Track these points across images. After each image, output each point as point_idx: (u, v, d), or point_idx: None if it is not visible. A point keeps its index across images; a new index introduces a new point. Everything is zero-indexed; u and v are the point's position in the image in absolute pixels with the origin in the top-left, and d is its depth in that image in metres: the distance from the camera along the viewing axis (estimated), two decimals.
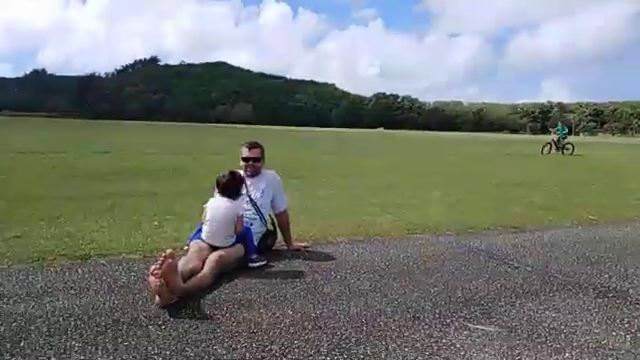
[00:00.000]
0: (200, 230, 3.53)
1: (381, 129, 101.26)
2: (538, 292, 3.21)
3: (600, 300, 3.10)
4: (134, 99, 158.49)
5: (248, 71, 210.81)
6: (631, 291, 3.30)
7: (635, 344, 2.46)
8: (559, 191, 8.72)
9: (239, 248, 3.44)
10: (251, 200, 3.87)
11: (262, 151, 4.02)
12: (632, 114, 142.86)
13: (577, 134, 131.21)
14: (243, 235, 3.50)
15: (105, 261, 3.54)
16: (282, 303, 2.82)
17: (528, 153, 22.27)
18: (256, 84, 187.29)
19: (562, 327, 2.63)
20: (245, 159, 3.94)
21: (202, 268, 3.06)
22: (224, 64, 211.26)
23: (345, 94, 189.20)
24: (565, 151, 22.15)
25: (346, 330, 2.48)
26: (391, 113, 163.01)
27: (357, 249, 4.16)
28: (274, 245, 4.05)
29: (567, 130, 23.68)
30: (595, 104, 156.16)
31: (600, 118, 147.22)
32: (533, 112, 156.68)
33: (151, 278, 2.60)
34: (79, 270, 3.29)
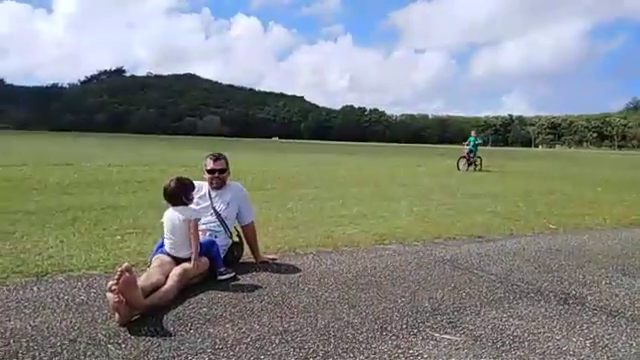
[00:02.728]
0: (162, 244, 3.44)
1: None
2: (502, 300, 3.27)
3: (561, 307, 3.18)
4: (99, 111, 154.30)
5: (217, 83, 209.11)
6: (589, 298, 3.41)
7: (594, 349, 2.53)
8: (520, 201, 8.98)
9: (204, 261, 3.36)
10: (215, 212, 3.81)
11: (227, 162, 3.97)
12: (586, 127, 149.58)
13: (537, 146, 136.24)
14: (208, 247, 3.43)
15: (63, 278, 3.39)
16: (249, 317, 2.77)
17: (488, 164, 22.90)
18: (225, 96, 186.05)
19: (525, 334, 2.68)
20: (210, 171, 3.89)
21: (165, 283, 2.97)
22: (193, 76, 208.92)
23: (314, 106, 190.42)
24: (475, 166, 18.35)
25: (314, 343, 2.45)
26: (359, 125, 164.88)
27: (325, 260, 4.14)
28: (241, 258, 3.99)
29: (480, 141, 19.56)
30: (552, 117, 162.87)
31: (557, 131, 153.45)
32: (495, 125, 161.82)
33: (109, 294, 2.51)
34: (34, 288, 3.13)
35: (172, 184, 3.41)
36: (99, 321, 2.61)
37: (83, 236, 4.74)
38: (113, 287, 2.48)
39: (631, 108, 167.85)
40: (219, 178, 3.89)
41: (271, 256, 4.10)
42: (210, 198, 3.91)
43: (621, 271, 4.17)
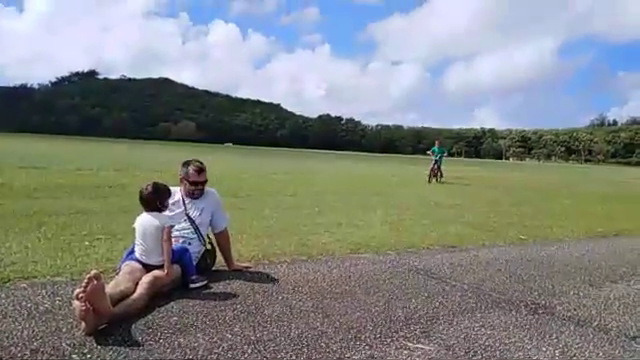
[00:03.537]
0: (133, 251, 3.34)
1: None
2: (474, 310, 3.31)
3: (531, 317, 3.24)
4: (70, 113, 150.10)
5: (192, 88, 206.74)
6: (558, 307, 3.48)
7: (563, 358, 2.57)
8: (492, 212, 9.15)
9: (175, 268, 3.28)
10: (189, 219, 3.74)
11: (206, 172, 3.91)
12: (555, 141, 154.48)
13: (507, 158, 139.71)
14: (180, 255, 3.36)
15: (26, 284, 3.25)
16: (220, 326, 2.71)
17: (461, 176, 23.34)
18: (200, 101, 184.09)
19: (497, 344, 2.71)
20: (194, 183, 3.80)
21: (134, 291, 2.88)
22: (168, 80, 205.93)
23: (290, 114, 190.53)
24: (438, 177, 17.27)
25: (287, 353, 2.41)
26: (335, 134, 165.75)
27: (300, 269, 4.11)
28: (214, 265, 3.92)
29: (445, 152, 18.62)
30: (523, 131, 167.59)
31: (528, 144, 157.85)
32: (468, 137, 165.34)
33: (75, 302, 2.41)
34: None
35: (148, 189, 3.34)
36: (64, 330, 2.51)
37: (49, 241, 4.57)
38: (80, 295, 2.39)
39: (597, 124, 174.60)
40: (201, 190, 3.83)
41: (245, 264, 4.05)
42: (184, 204, 3.83)
43: (588, 282, 4.29)
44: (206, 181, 3.87)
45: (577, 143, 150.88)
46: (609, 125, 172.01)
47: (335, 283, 3.75)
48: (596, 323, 3.18)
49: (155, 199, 3.34)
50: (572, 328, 3.06)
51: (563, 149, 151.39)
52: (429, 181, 16.48)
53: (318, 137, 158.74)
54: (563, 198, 13.85)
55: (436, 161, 16.80)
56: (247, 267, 4.00)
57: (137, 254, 3.27)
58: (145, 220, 3.30)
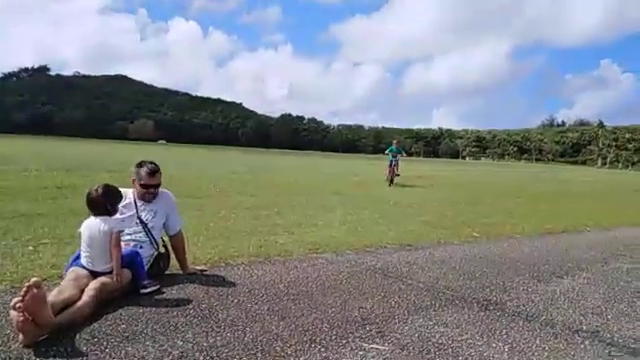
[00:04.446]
0: (79, 256, 3.19)
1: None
2: (429, 308, 3.36)
3: (482, 313, 3.33)
4: (18, 110, 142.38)
5: (151, 86, 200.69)
6: (508, 303, 3.60)
7: (512, 354, 2.66)
8: (448, 210, 9.38)
9: (126, 273, 3.15)
10: (141, 221, 3.61)
11: (161, 174, 3.77)
12: (508, 141, 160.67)
13: (464, 158, 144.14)
14: (130, 259, 3.23)
15: None
16: (172, 333, 2.62)
17: (419, 175, 23.84)
18: (159, 99, 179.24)
19: (450, 342, 2.76)
20: (144, 186, 3.66)
21: (80, 298, 2.75)
22: (124, 77, 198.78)
23: (252, 113, 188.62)
24: (395, 178, 15.79)
25: (240, 358, 2.37)
26: (297, 134, 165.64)
27: (257, 271, 4.06)
28: (167, 269, 3.81)
29: (402, 152, 17.37)
30: (478, 131, 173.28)
31: (483, 144, 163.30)
32: (426, 137, 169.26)
33: (13, 312, 2.27)
34: None
35: (98, 191, 3.19)
36: None
37: None
38: (18, 305, 2.25)
39: (547, 125, 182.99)
40: (154, 193, 3.70)
41: (200, 267, 3.95)
42: (136, 207, 3.70)
43: (536, 277, 4.46)
44: (159, 184, 3.75)
45: (528, 143, 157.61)
46: (558, 126, 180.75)
47: (292, 284, 3.72)
48: (543, 318, 3.31)
49: (105, 202, 3.19)
50: (521, 323, 3.17)
51: (515, 149, 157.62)
52: (388, 182, 15.63)
53: (280, 136, 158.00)
54: (515, 197, 14.39)
55: (392, 161, 15.95)
56: (202, 270, 3.91)
57: (83, 261, 3.12)
58: (92, 224, 3.15)
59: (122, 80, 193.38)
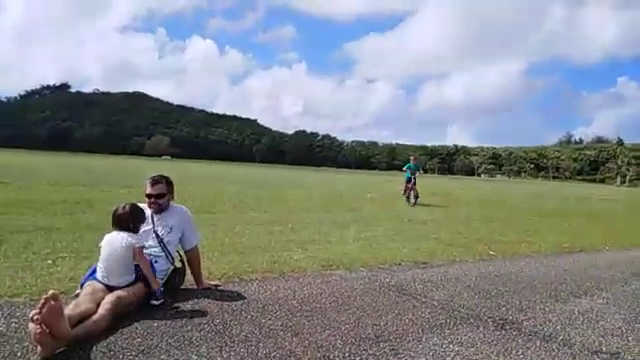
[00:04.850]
0: (95, 271, 3.24)
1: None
2: (443, 326, 3.33)
3: (498, 332, 3.28)
4: (40, 126, 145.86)
5: (167, 103, 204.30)
6: (525, 323, 3.54)
7: None
8: (463, 228, 9.29)
9: (140, 287, 3.19)
10: (157, 236, 3.66)
11: (168, 185, 3.84)
12: (525, 158, 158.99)
13: (479, 175, 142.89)
14: (141, 274, 3.28)
15: None
16: (186, 347, 2.64)
17: (434, 192, 23.66)
18: (175, 116, 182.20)
19: None
20: (148, 195, 3.74)
21: (96, 311, 2.79)
22: (142, 94, 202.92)
23: (267, 130, 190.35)
24: (415, 198, 14.98)
25: None
26: (311, 150, 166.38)
27: (271, 287, 4.06)
28: (182, 284, 3.84)
29: (420, 169, 16.72)
30: (494, 148, 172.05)
31: (498, 161, 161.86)
32: (441, 154, 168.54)
33: (31, 325, 2.31)
34: None
35: (126, 208, 3.37)
36: (18, 355, 2.40)
37: (9, 260, 4.39)
38: (35, 317, 2.29)
39: (564, 142, 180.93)
40: (157, 203, 3.75)
41: (214, 282, 3.98)
42: (152, 221, 3.76)
43: (554, 297, 4.38)
44: (163, 195, 3.78)
45: (545, 160, 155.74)
46: (576, 143, 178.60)
47: (306, 301, 3.72)
48: (561, 338, 3.24)
49: (129, 219, 3.34)
50: (538, 343, 3.11)
51: (532, 166, 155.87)
52: (407, 199, 15.30)
53: (294, 153, 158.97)
54: (532, 214, 14.19)
55: (410, 178, 15.54)
56: (217, 285, 3.93)
57: (98, 275, 3.17)
58: (114, 238, 3.24)
59: (140, 97, 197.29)
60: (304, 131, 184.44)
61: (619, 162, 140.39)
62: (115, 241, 3.22)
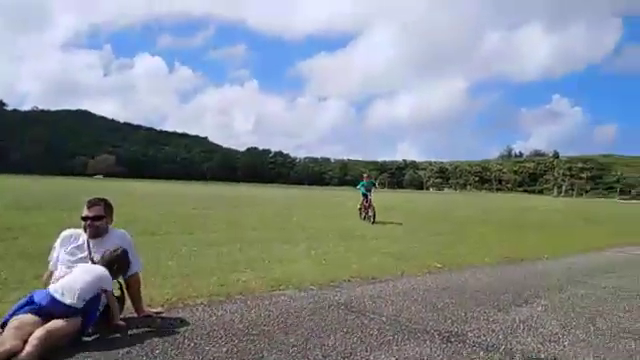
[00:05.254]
0: (25, 304, 2.99)
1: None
2: (391, 342, 3.34)
3: (444, 345, 3.33)
4: None
5: (113, 120, 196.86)
6: (469, 334, 3.62)
7: None
8: (413, 242, 9.48)
9: (75, 322, 2.98)
10: (94, 263, 3.45)
11: (107, 208, 3.66)
12: (470, 172, 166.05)
13: (427, 189, 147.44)
14: (92, 305, 3.12)
15: None
16: None
17: (385, 206, 24.07)
18: (122, 134, 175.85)
19: None
20: (84, 218, 3.55)
21: (23, 349, 2.57)
22: (86, 112, 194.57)
23: (218, 147, 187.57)
24: (372, 216, 14.41)
25: None
26: (264, 167, 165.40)
27: (216, 311, 3.93)
28: (121, 313, 3.63)
29: (375, 185, 16.71)
30: (441, 163, 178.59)
31: (445, 175, 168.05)
32: (391, 168, 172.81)
33: None
34: None
35: (118, 251, 3.48)
36: None
37: None
38: None
39: (505, 155, 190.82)
40: (93, 226, 3.56)
41: (156, 310, 3.80)
42: (88, 248, 3.55)
43: (496, 307, 4.52)
44: (100, 217, 3.60)
45: (489, 173, 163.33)
46: (516, 157, 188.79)
47: (253, 324, 3.63)
48: (503, 348, 3.34)
49: (112, 265, 3.41)
50: (481, 354, 3.18)
51: (477, 179, 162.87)
52: (363, 217, 14.91)
53: (247, 170, 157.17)
54: (477, 226, 14.73)
55: (365, 195, 15.28)
56: (159, 312, 3.76)
57: (52, 288, 3.12)
58: (98, 267, 3.34)
59: (83, 115, 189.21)
60: (256, 148, 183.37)
61: (555, 174, 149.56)
62: (97, 269, 3.31)
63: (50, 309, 2.97)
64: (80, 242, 3.57)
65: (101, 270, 3.32)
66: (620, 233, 14.79)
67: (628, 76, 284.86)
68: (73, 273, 3.26)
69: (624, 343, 3.57)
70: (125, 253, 3.51)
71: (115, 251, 3.45)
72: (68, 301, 3.03)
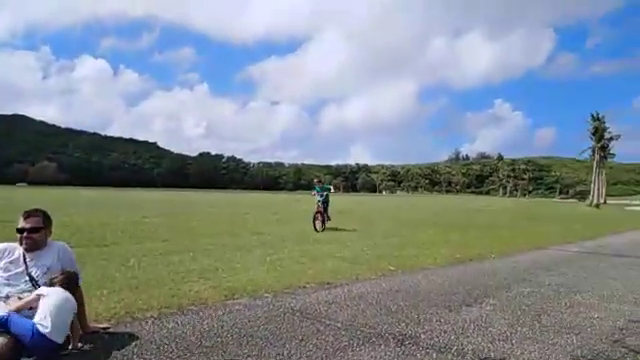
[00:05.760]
0: None
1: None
2: (346, 349, 3.34)
3: (398, 349, 3.36)
4: None
5: (54, 126, 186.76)
6: (422, 336, 3.69)
7: None
8: (365, 245, 9.59)
9: (11, 340, 2.76)
10: (31, 279, 3.24)
11: (45, 219, 3.44)
12: (420, 175, 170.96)
13: (380, 191, 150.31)
14: (23, 329, 2.86)
15: None
16: None
17: (340, 210, 24.27)
18: (63, 140, 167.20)
19: None
20: (19, 230, 3.32)
21: None
22: (23, 117, 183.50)
23: (168, 152, 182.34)
24: (319, 225, 13.39)
25: None
26: (217, 172, 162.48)
27: (167, 324, 3.79)
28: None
29: (331, 189, 15.72)
30: (393, 166, 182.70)
31: (397, 178, 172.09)
32: (344, 172, 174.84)
33: None
34: None
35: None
36: None
37: None
38: None
39: (453, 158, 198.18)
40: (30, 238, 3.33)
41: (102, 325, 3.61)
42: (25, 262, 3.32)
43: (448, 307, 4.64)
44: (38, 229, 3.38)
45: (438, 175, 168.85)
46: (463, 159, 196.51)
47: (206, 335, 3.52)
48: (455, 348, 3.42)
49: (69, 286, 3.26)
50: (434, 356, 3.24)
51: (427, 181, 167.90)
52: (315, 229, 13.26)
53: (199, 175, 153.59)
54: (428, 228, 15.13)
55: (320, 200, 14.28)
56: (105, 328, 3.57)
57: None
58: (59, 291, 3.16)
59: (19, 119, 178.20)
60: (208, 153, 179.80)
61: (500, 175, 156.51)
62: (58, 292, 3.15)
63: None
64: (15, 256, 3.34)
65: (62, 292, 3.18)
66: (559, 232, 15.66)
67: (562, 82, 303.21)
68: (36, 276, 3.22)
69: (566, 338, 3.76)
70: (76, 275, 3.39)
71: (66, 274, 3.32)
72: (15, 289, 3.05)
